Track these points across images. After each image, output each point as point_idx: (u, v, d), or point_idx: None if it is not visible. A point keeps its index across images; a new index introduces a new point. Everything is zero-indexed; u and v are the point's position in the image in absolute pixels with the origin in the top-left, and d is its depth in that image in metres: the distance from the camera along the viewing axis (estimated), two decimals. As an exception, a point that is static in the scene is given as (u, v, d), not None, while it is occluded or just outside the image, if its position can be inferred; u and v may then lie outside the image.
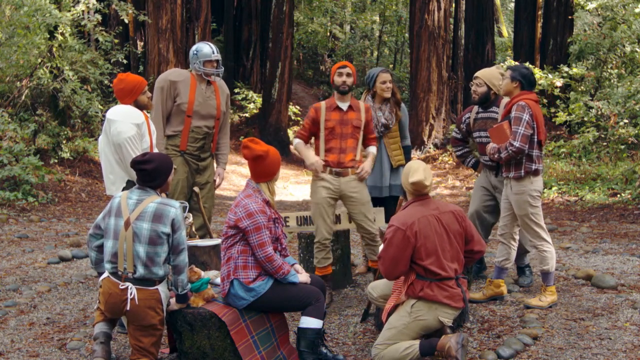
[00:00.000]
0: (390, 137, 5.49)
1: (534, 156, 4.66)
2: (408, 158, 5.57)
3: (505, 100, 5.14)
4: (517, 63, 13.27)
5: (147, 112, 4.73)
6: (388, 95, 5.41)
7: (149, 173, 3.65)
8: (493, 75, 5.13)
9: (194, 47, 5.27)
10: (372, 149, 5.02)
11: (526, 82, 4.75)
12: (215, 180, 5.48)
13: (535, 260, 5.99)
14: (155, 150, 4.72)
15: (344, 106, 4.85)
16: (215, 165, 5.58)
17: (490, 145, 4.76)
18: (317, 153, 4.89)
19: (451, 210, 3.73)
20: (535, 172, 4.68)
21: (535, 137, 4.64)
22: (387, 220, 5.39)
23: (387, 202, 5.53)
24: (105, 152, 4.50)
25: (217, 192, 12.94)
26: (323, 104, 4.91)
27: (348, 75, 4.82)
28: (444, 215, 3.68)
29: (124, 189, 4.46)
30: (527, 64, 11.28)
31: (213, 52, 5.21)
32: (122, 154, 4.39)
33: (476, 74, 5.21)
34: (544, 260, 4.74)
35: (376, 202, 5.57)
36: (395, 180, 5.51)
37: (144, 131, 4.49)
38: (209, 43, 5.31)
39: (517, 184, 4.68)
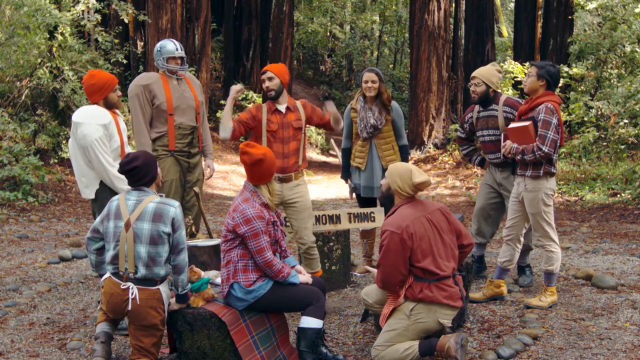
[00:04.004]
0: (381, 138, 5.46)
1: (553, 159, 4.64)
2: (405, 158, 5.53)
3: (504, 97, 5.14)
4: (508, 61, 13.29)
5: (118, 111, 4.67)
6: (370, 94, 5.36)
7: (140, 169, 3.63)
8: (490, 73, 5.14)
9: (158, 44, 5.18)
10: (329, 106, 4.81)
11: (553, 81, 4.64)
12: (204, 176, 5.46)
13: (537, 260, 6.00)
14: (128, 149, 4.64)
15: (282, 108, 4.73)
16: (202, 158, 5.55)
17: (511, 145, 4.66)
18: None
19: (437, 207, 3.76)
20: (552, 173, 4.67)
21: (558, 141, 4.59)
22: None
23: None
24: (76, 156, 4.43)
25: (217, 192, 12.94)
26: (264, 105, 4.79)
27: (270, 79, 4.64)
28: (433, 214, 3.71)
29: (97, 191, 4.44)
30: (527, 64, 11.28)
31: (177, 49, 5.12)
32: (90, 157, 4.33)
33: (473, 74, 5.21)
34: (549, 261, 4.73)
35: (369, 202, 5.57)
36: None
37: (112, 131, 4.42)
38: (174, 40, 5.22)
39: (532, 181, 4.64)
